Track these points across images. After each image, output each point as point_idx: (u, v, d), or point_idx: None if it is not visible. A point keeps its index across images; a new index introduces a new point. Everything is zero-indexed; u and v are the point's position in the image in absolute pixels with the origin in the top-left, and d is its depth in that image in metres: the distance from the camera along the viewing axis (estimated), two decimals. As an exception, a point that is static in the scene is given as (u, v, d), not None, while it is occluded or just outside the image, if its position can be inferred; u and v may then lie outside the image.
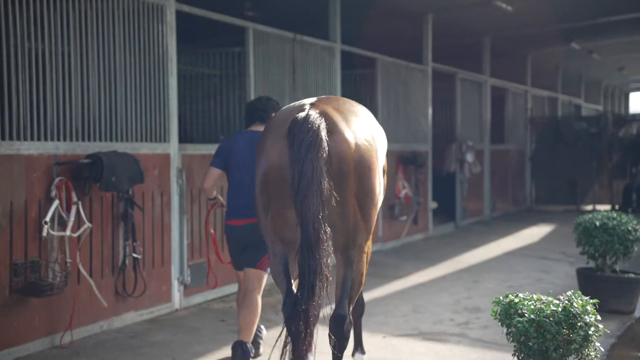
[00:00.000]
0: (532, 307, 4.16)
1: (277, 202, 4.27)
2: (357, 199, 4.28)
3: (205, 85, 11.45)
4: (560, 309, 4.09)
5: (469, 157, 15.23)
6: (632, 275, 7.91)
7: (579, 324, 4.07)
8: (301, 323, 3.95)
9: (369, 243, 4.68)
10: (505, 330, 4.28)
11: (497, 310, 4.29)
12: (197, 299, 8.11)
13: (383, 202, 5.01)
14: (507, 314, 4.23)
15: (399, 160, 12.59)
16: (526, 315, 4.11)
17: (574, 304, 4.11)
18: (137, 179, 6.93)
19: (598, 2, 14.20)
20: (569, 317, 4.07)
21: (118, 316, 7.06)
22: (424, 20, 13.86)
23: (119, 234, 7.05)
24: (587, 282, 7.86)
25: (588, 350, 4.11)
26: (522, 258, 11.53)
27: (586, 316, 4.09)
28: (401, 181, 12.57)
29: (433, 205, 14.23)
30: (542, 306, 4.14)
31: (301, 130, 4.05)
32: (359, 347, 5.75)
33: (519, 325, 4.09)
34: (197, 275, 8.02)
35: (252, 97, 9.00)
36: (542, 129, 20.18)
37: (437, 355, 6.30)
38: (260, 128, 5.75)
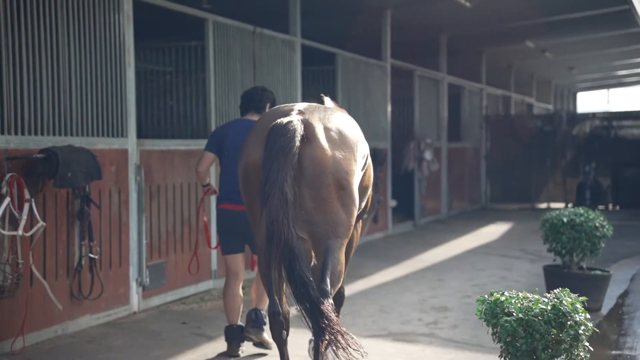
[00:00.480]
0: (520, 305, 3.98)
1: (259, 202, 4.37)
2: (338, 197, 4.40)
3: (160, 80, 11.14)
4: (549, 308, 3.92)
5: (428, 155, 15.13)
6: (598, 272, 7.87)
7: (569, 322, 3.90)
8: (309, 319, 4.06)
9: (356, 235, 4.91)
10: (490, 330, 4.08)
11: (482, 310, 4.09)
12: (156, 300, 7.79)
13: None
14: (493, 313, 4.03)
15: (359, 158, 12.39)
16: (514, 314, 3.93)
17: (564, 301, 3.93)
18: (94, 175, 6.61)
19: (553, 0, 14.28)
20: (558, 316, 3.89)
21: (74, 320, 6.72)
22: (383, 16, 13.74)
23: (75, 233, 6.70)
24: (554, 279, 7.77)
25: (578, 350, 3.94)
26: (483, 256, 11.45)
27: (576, 315, 3.93)
28: (361, 179, 12.37)
29: (392, 203, 14.09)
30: (530, 304, 3.96)
31: (277, 135, 4.26)
32: (331, 349, 5.60)
33: (506, 324, 3.89)
34: (156, 276, 7.71)
35: (212, 92, 8.82)
36: (497, 127, 20.28)
37: (410, 356, 6.11)
38: (255, 117, 5.93)
